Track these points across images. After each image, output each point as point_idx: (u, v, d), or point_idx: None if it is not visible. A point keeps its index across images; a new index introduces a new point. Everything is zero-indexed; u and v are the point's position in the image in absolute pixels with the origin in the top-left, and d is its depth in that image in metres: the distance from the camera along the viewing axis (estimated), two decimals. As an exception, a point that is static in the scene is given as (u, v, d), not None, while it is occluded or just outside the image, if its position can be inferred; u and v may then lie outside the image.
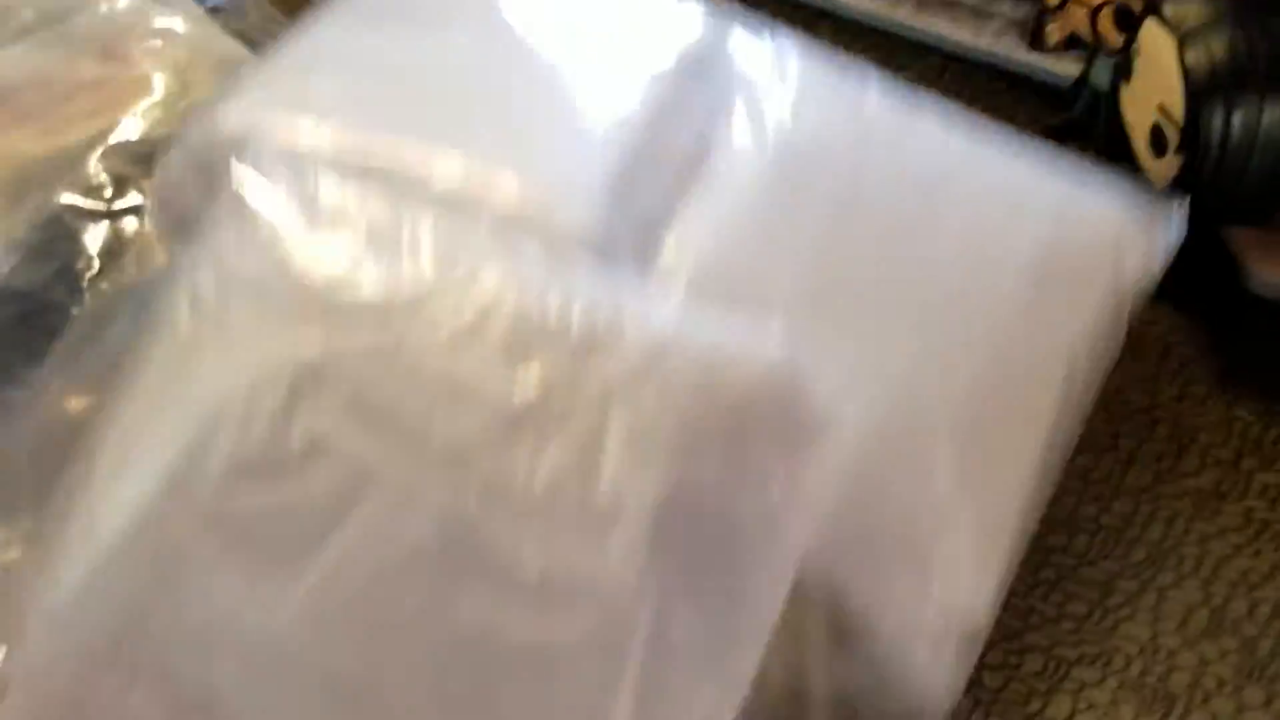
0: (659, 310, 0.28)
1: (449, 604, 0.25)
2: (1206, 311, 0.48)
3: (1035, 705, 0.38)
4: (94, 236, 0.50)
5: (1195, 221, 0.47)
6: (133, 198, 0.51)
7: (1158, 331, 0.47)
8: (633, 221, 0.31)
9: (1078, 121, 0.52)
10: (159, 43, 0.54)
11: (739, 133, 0.34)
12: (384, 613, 0.25)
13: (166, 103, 0.53)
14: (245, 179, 0.28)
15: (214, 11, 0.58)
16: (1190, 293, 0.48)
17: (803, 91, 0.36)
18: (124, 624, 0.26)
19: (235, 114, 0.35)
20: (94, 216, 0.50)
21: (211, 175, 0.31)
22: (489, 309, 0.25)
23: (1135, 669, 0.39)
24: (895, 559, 0.31)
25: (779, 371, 0.26)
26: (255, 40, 0.57)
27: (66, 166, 0.51)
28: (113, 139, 0.51)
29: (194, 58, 0.55)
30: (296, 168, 0.28)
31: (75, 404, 0.45)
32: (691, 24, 0.37)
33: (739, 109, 0.34)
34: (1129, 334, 0.47)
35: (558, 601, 0.25)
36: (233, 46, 0.55)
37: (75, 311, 0.49)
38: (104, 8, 0.55)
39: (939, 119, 0.37)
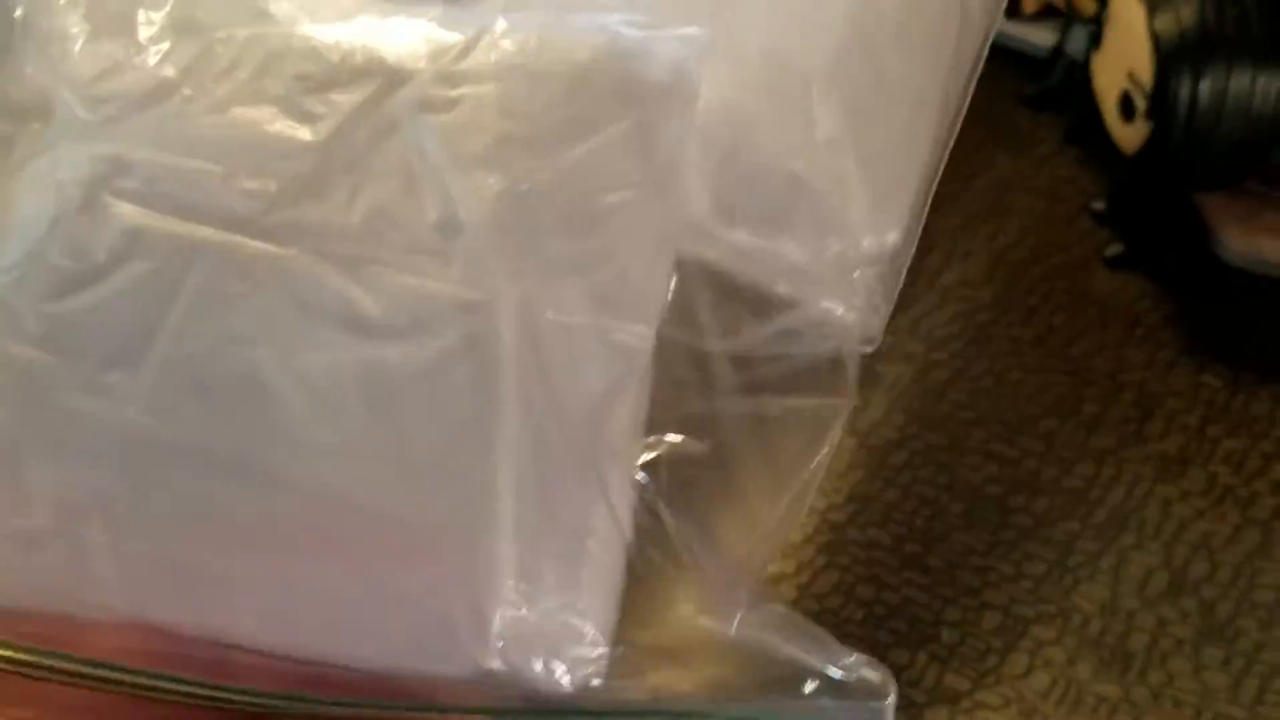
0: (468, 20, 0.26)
1: (299, 356, 0.25)
2: (1175, 278, 0.47)
3: (991, 661, 0.38)
4: None
5: (1164, 188, 0.47)
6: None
7: (1125, 298, 0.47)
8: None
9: (1054, 90, 0.52)
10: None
11: None
12: (235, 377, 0.25)
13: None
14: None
15: None
16: (1159, 260, 0.48)
17: None
18: None
19: None
20: None
21: None
22: (270, 60, 0.25)
23: (1094, 628, 0.39)
24: (782, 208, 0.29)
25: (616, 42, 0.24)
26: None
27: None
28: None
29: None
30: None
31: None
32: None
33: None
34: (1096, 299, 0.48)
35: (408, 332, 0.24)
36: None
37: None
38: None
39: None
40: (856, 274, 0.27)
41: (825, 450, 0.30)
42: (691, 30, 0.25)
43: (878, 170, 0.29)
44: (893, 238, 0.28)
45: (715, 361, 0.27)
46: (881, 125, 0.29)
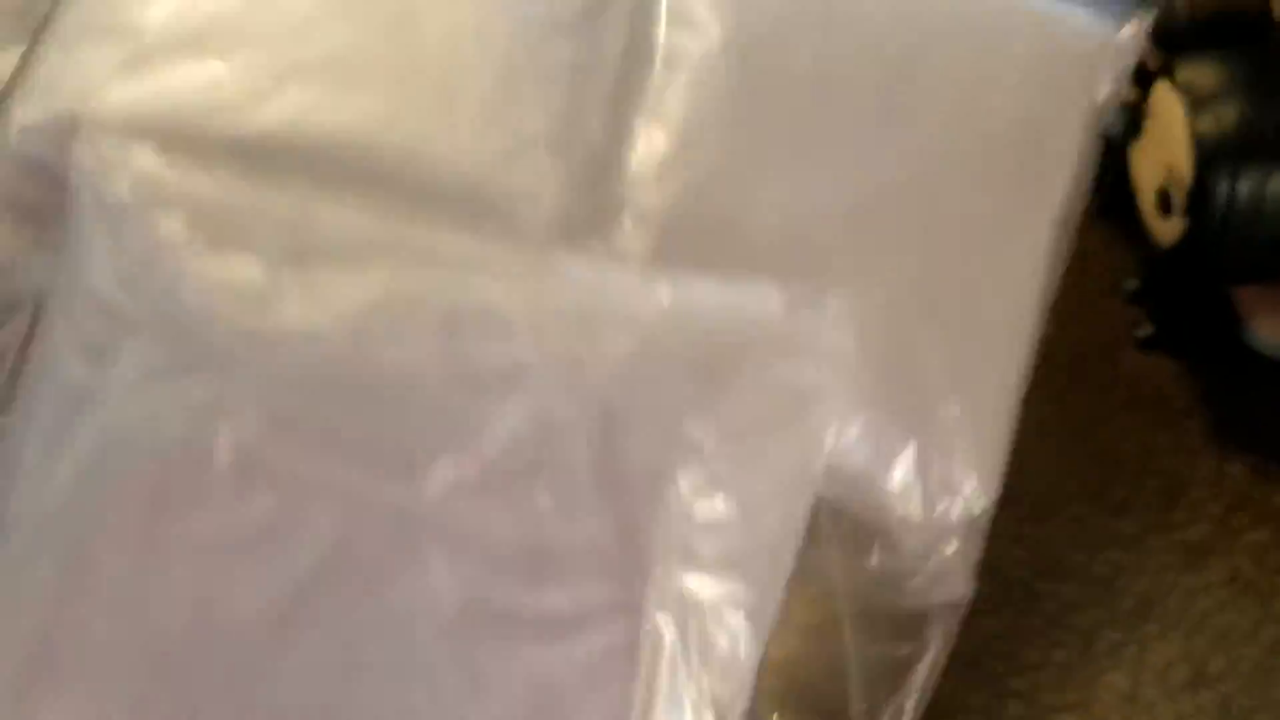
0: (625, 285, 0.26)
1: (463, 645, 0.25)
2: (1204, 365, 0.48)
3: (1015, 749, 0.39)
4: None
5: (1197, 279, 0.48)
6: None
7: (1155, 381, 0.48)
8: (582, 161, 0.27)
9: (1086, 168, 0.53)
10: None
11: (676, 27, 0.28)
12: (398, 654, 0.25)
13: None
14: (103, 178, 0.24)
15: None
16: (1188, 345, 0.48)
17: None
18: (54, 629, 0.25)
19: (70, 82, 0.27)
20: None
21: (56, 167, 0.25)
22: (436, 322, 0.24)
23: (1115, 719, 0.40)
24: (896, 447, 0.30)
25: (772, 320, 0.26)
26: None
27: None
28: None
29: None
30: (169, 155, 0.24)
31: None
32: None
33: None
34: (1125, 381, 0.48)
35: (569, 631, 0.25)
36: None
37: None
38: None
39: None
40: (951, 531, 0.29)
41: (912, 700, 0.31)
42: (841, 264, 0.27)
43: (984, 403, 0.30)
44: (990, 497, 0.30)
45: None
46: (990, 354, 0.30)
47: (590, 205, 0.26)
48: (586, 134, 0.26)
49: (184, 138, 0.23)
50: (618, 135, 0.27)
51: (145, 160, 0.23)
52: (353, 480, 0.24)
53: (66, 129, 0.24)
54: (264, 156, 0.23)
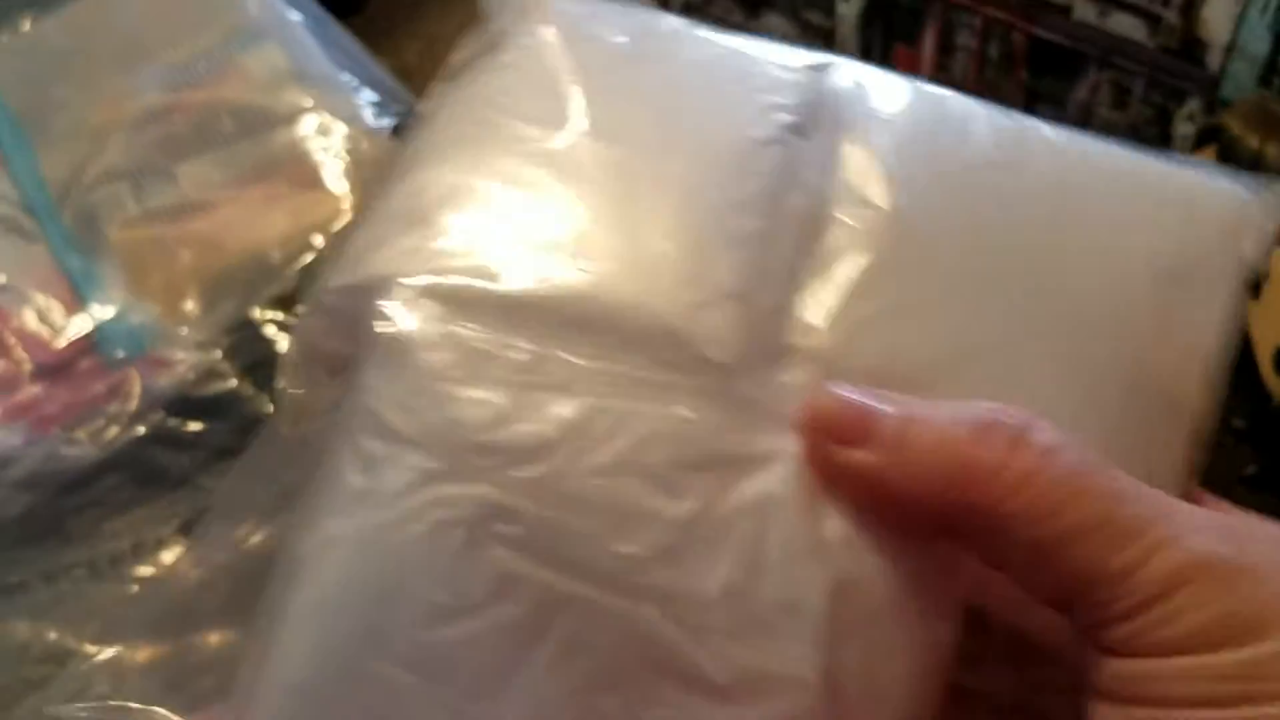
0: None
1: (643, 709, 0.27)
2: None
3: None
4: (285, 346, 0.56)
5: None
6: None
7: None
8: (763, 312, 0.30)
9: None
10: (347, 163, 0.60)
11: (854, 184, 0.32)
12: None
13: (354, 221, 0.59)
14: (391, 325, 0.28)
15: (395, 133, 0.64)
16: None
17: (910, 126, 0.33)
18: None
19: (374, 257, 0.32)
20: (288, 328, 0.56)
21: (355, 320, 0.30)
22: (645, 437, 0.28)
23: None
24: None
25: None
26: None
27: (260, 278, 0.57)
28: (304, 256, 0.57)
29: (378, 180, 0.61)
30: (442, 308, 0.29)
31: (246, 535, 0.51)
32: (785, 71, 0.35)
33: (848, 156, 0.32)
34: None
35: (741, 698, 0.27)
36: (413, 171, 0.61)
37: (266, 408, 0.56)
38: (298, 127, 0.61)
39: (1049, 135, 0.35)
40: None
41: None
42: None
43: None
44: None
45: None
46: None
47: (768, 347, 0.29)
48: (768, 289, 0.30)
49: (452, 295, 0.28)
50: (794, 290, 0.30)
51: (422, 312, 0.28)
52: (585, 586, 0.27)
53: (364, 289, 0.29)
54: (510, 309, 0.28)
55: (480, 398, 0.27)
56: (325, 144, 0.60)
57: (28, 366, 0.53)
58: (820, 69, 0.35)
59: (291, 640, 0.28)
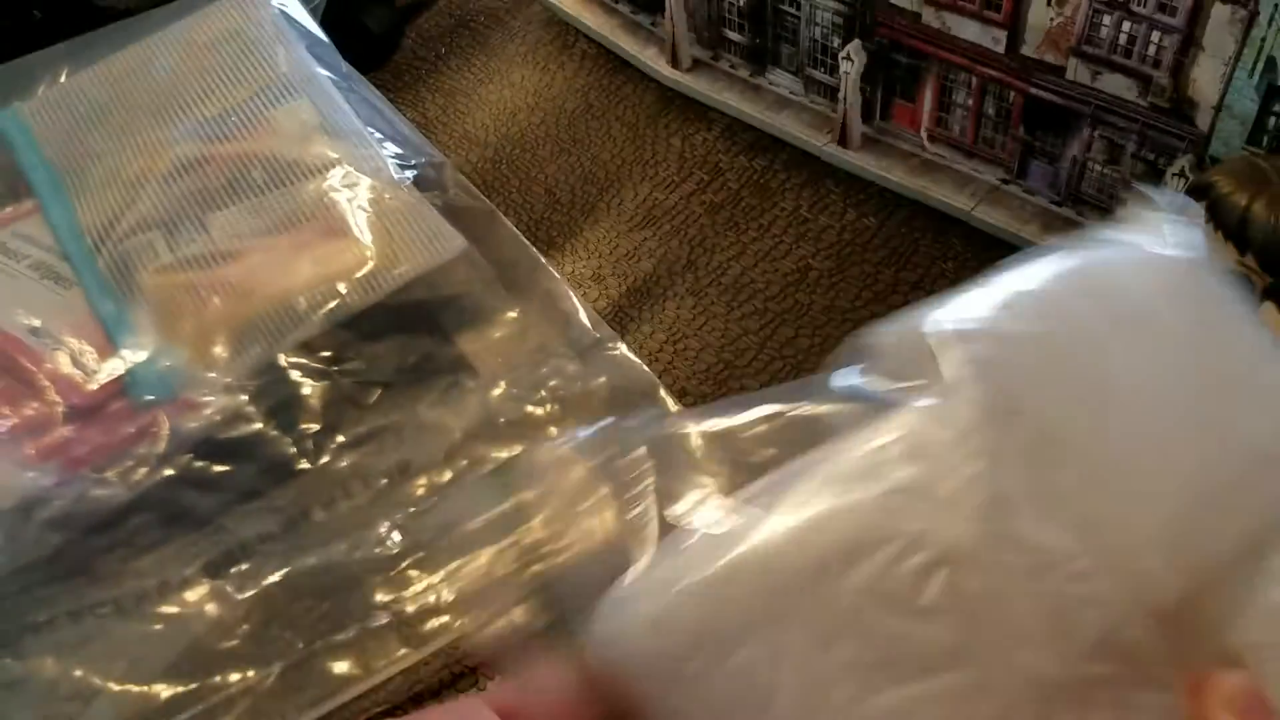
0: None
1: None
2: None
3: None
4: (312, 390, 0.58)
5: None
6: (350, 361, 0.60)
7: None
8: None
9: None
10: (371, 214, 0.63)
11: None
12: None
13: (379, 271, 0.60)
14: None
15: (419, 182, 0.66)
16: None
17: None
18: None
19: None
20: (313, 373, 0.58)
21: None
22: None
23: None
24: None
25: None
26: (456, 212, 0.66)
27: (289, 324, 0.59)
28: (331, 303, 0.59)
29: (403, 229, 0.63)
30: None
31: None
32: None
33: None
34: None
35: None
36: (437, 219, 0.63)
37: (291, 453, 0.58)
38: (325, 180, 0.63)
39: None
40: None
41: None
42: None
43: None
44: None
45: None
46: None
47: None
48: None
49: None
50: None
51: None
52: None
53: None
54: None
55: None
56: (351, 195, 0.62)
57: (60, 408, 0.55)
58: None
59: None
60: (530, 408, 0.58)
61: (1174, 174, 0.56)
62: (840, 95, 0.67)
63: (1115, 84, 0.56)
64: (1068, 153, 0.60)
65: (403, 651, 0.50)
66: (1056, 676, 0.29)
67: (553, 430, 0.57)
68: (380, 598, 0.51)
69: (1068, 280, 0.34)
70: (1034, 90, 0.59)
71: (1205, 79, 0.53)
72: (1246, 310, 0.35)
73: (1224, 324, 0.34)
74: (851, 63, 0.65)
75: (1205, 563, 0.30)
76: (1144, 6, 0.53)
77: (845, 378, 0.34)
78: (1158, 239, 0.35)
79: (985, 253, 0.64)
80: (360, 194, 0.62)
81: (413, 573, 0.52)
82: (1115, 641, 0.30)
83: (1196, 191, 0.53)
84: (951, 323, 0.32)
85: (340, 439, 0.57)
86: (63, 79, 0.69)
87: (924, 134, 0.66)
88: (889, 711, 0.29)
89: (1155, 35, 0.54)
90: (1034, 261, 0.34)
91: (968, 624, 0.30)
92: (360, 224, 0.61)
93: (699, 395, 0.59)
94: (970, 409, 0.31)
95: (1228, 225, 0.51)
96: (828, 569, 0.30)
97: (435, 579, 0.52)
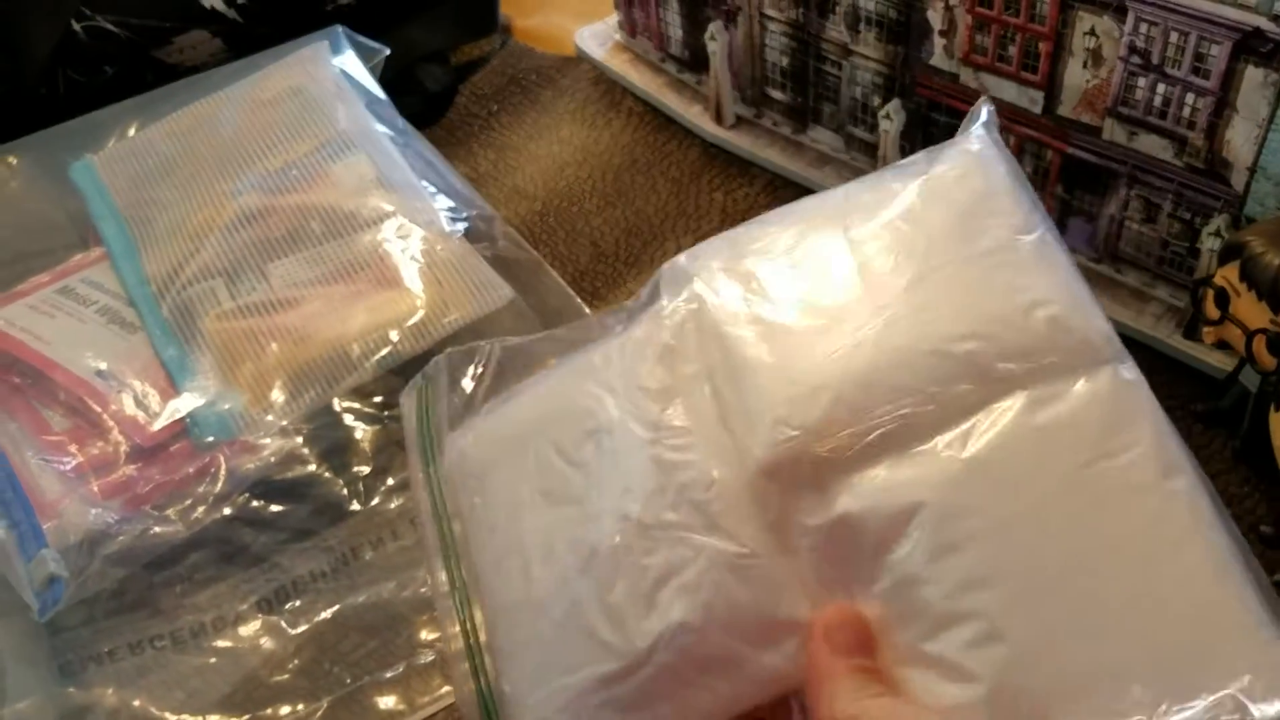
0: None
1: None
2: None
3: None
4: (364, 434, 0.59)
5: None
6: (393, 400, 0.62)
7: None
8: None
9: (1225, 412, 0.57)
10: (423, 264, 0.65)
11: None
12: None
13: (429, 320, 0.63)
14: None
15: (470, 234, 0.69)
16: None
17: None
18: None
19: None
20: (365, 417, 0.60)
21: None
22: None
23: None
24: None
25: None
26: (504, 264, 0.68)
27: (343, 370, 0.61)
28: (384, 350, 0.61)
29: (454, 280, 0.65)
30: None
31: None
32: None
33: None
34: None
35: None
36: (486, 270, 0.65)
37: (343, 494, 0.60)
38: (380, 231, 0.65)
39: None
40: None
41: None
42: None
43: None
44: None
45: None
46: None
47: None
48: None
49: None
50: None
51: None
52: None
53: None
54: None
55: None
56: (404, 246, 0.64)
57: (124, 448, 0.57)
58: None
59: None
60: (574, 454, 0.60)
61: (1209, 233, 0.57)
62: (880, 153, 0.68)
63: (1151, 144, 0.58)
64: (1105, 211, 0.62)
65: (446, 689, 0.51)
66: (640, 516, 0.37)
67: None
68: (426, 635, 0.53)
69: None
70: (1071, 150, 0.61)
71: (1239, 140, 0.54)
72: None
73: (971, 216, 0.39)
74: (891, 121, 0.67)
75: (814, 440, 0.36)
76: (1178, 69, 0.55)
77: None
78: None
79: (1023, 307, 0.65)
80: (413, 245, 0.65)
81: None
82: (692, 497, 0.36)
83: (1230, 251, 0.54)
84: (687, 258, 0.42)
85: (390, 481, 0.59)
86: (132, 132, 0.72)
87: (963, 191, 0.68)
88: (543, 527, 0.39)
89: (1189, 97, 0.55)
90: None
91: (596, 471, 0.39)
92: (412, 274, 0.63)
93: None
94: (669, 326, 0.40)
95: (1261, 284, 0.52)
96: (541, 428, 0.41)
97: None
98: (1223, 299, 0.54)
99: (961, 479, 0.34)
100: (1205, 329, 0.56)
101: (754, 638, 0.36)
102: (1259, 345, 0.52)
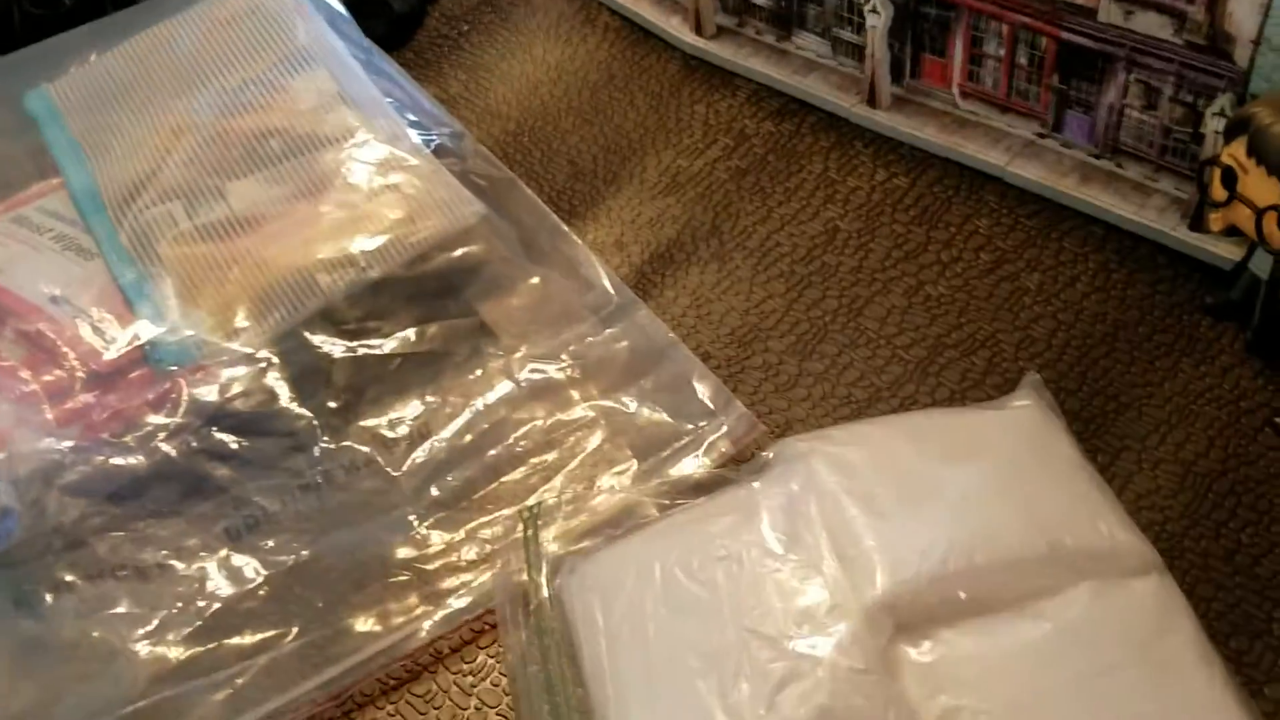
0: None
1: None
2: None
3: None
4: (333, 361, 0.56)
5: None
6: (371, 332, 0.59)
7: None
8: None
9: (1236, 303, 0.54)
10: (392, 180, 0.62)
11: None
12: None
13: (397, 239, 0.60)
14: None
15: (439, 152, 0.66)
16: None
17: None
18: None
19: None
20: (333, 344, 0.57)
21: None
22: None
23: None
24: None
25: None
26: (475, 182, 0.65)
27: (308, 294, 0.58)
28: (350, 272, 0.58)
29: (421, 197, 0.62)
30: None
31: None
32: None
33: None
34: (1280, 514, 0.49)
35: None
36: (456, 187, 0.62)
37: (312, 422, 0.56)
38: (343, 149, 0.63)
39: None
40: None
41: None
42: None
43: None
44: None
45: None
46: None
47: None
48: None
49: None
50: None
51: None
52: None
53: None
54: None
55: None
56: (368, 163, 0.61)
57: (80, 374, 0.55)
58: None
59: None
60: (552, 373, 0.58)
61: (1213, 113, 0.54)
62: (868, 53, 0.65)
63: (1149, 22, 0.54)
64: (1104, 100, 0.59)
65: (423, 608, 0.49)
66: (766, 629, 0.42)
67: (574, 394, 0.56)
68: (401, 556, 0.51)
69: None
70: (1066, 34, 0.58)
71: (1242, 11, 0.51)
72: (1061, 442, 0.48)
73: (1037, 448, 0.47)
74: (879, 15, 0.64)
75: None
76: (1177, -59, 0.52)
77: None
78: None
79: (1020, 208, 0.62)
80: (377, 161, 0.62)
81: (433, 533, 0.52)
82: (816, 618, 0.42)
83: (1237, 126, 0.51)
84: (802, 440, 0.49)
85: (361, 408, 0.57)
86: (91, 60, 0.70)
87: (955, 90, 0.65)
88: (668, 634, 0.43)
89: (1189, -31, 0.52)
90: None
91: (724, 591, 0.44)
92: (377, 191, 0.60)
93: (723, 359, 0.58)
94: (790, 489, 0.47)
95: (1270, 157, 0.49)
96: (667, 554, 0.46)
97: (456, 537, 0.51)
98: (1230, 178, 0.51)
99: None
100: (1212, 215, 0.54)
101: None
102: (1270, 223, 0.49)
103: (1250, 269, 0.54)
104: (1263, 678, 0.44)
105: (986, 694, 0.40)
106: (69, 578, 0.51)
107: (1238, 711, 0.40)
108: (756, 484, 0.47)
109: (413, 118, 0.65)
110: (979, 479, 0.45)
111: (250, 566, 0.52)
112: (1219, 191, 0.51)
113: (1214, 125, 0.54)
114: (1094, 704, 0.39)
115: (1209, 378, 0.54)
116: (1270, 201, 0.49)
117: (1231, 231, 0.54)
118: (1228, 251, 0.56)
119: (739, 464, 0.51)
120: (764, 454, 0.50)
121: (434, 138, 0.65)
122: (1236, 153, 0.50)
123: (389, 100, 0.65)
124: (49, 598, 0.50)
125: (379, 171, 0.61)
